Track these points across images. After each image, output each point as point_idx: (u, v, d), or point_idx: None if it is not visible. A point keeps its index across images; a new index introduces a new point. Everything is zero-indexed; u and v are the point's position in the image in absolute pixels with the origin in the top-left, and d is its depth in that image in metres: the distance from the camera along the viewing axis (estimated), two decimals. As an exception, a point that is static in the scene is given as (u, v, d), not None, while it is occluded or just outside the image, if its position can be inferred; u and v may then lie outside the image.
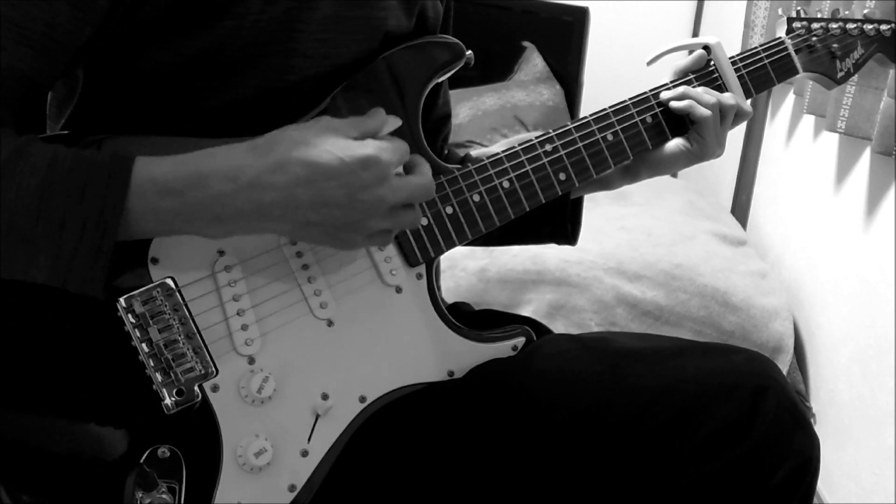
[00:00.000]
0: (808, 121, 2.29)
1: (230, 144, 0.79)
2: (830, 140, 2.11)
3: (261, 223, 0.78)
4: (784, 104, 2.52)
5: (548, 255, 2.03)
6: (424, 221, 0.93)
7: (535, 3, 3.02)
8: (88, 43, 0.81)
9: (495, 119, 2.87)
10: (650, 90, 1.05)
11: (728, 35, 2.85)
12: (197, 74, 0.84)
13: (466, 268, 2.01)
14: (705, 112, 1.02)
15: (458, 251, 1.97)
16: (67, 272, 0.74)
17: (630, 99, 1.04)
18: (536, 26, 3.04)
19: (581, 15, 2.93)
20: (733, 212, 2.77)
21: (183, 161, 0.77)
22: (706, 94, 1.03)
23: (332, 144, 0.79)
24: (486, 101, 2.91)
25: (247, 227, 0.78)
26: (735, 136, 2.37)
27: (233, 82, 0.86)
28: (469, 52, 0.97)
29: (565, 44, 2.97)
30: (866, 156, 1.91)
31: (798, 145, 2.39)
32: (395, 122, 0.87)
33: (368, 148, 0.79)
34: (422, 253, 0.93)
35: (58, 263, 0.73)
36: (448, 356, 0.95)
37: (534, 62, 2.99)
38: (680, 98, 1.03)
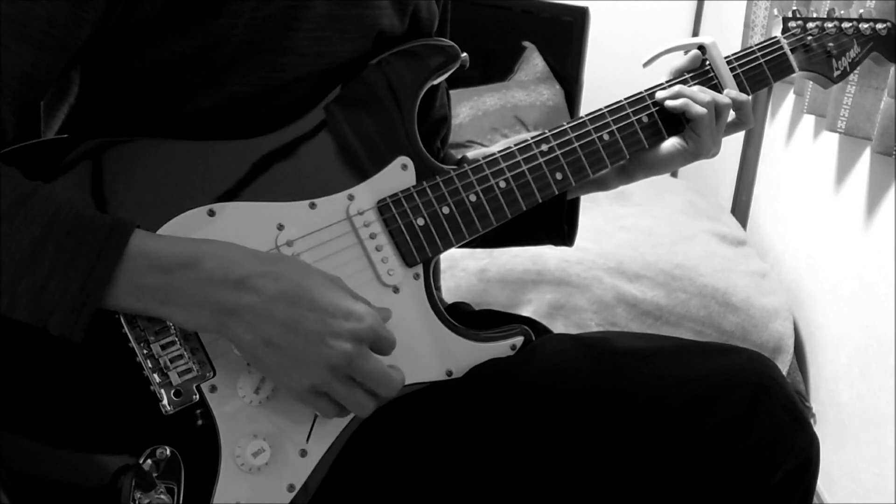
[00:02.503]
0: (808, 121, 2.29)
1: (237, 244, 0.80)
2: (830, 140, 2.11)
3: (228, 321, 0.78)
4: (784, 104, 2.52)
5: (548, 255, 2.03)
6: (421, 221, 0.93)
7: (535, 3, 3.02)
8: (88, 41, 0.81)
9: (495, 119, 2.87)
10: (645, 90, 1.05)
11: (728, 35, 2.85)
12: (192, 72, 0.85)
13: (466, 268, 2.01)
14: (701, 110, 1.02)
15: (458, 251, 1.96)
16: (46, 321, 0.75)
17: (626, 99, 1.04)
18: (536, 26, 3.04)
19: (581, 15, 2.93)
20: (733, 212, 2.77)
21: (181, 242, 0.79)
22: (701, 92, 1.03)
23: (331, 288, 0.80)
24: (486, 101, 2.91)
25: (213, 321, 0.78)
26: (735, 136, 2.37)
27: (227, 80, 0.86)
28: (464, 54, 0.97)
29: (565, 44, 2.98)
30: (866, 156, 1.91)
31: (798, 145, 2.39)
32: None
33: (360, 306, 0.80)
34: (419, 253, 0.93)
35: (37, 316, 0.75)
36: (446, 356, 0.95)
37: (534, 62, 3.00)
38: (675, 97, 1.03)
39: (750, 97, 1.08)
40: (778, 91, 2.58)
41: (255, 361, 0.80)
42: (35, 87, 0.80)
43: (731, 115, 1.07)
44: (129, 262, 0.76)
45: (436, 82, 0.97)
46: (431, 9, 1.02)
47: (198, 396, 0.83)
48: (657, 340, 1.02)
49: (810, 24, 1.13)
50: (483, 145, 2.58)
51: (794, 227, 2.36)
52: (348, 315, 0.79)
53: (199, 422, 0.83)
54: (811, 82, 1.81)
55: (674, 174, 3.39)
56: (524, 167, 0.98)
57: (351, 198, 0.91)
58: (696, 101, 1.02)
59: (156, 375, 0.82)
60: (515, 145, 0.98)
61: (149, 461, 0.81)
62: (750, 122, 1.08)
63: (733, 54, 1.09)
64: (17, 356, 0.79)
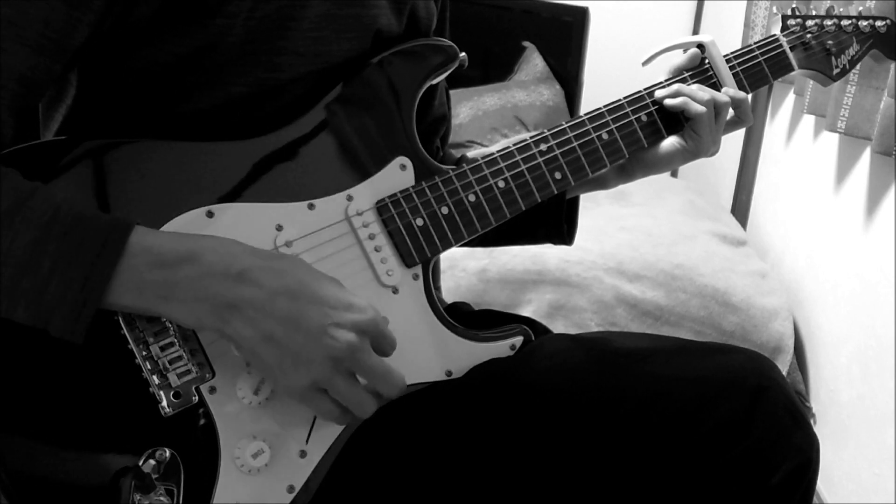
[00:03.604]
0: (808, 121, 2.29)
1: (235, 240, 0.80)
2: (830, 140, 2.11)
3: (229, 316, 0.77)
4: (784, 104, 2.52)
5: (548, 255, 2.03)
6: (420, 222, 0.93)
7: (535, 3, 3.02)
8: (85, 43, 0.81)
9: (496, 119, 2.87)
10: (644, 89, 1.05)
11: (728, 35, 2.85)
12: (190, 73, 0.85)
13: (466, 268, 2.01)
14: (700, 108, 1.02)
15: (458, 251, 1.97)
16: (46, 323, 0.75)
17: (625, 98, 1.04)
18: (536, 26, 3.04)
19: (581, 15, 2.93)
20: (733, 212, 2.77)
21: (182, 237, 0.79)
22: (700, 90, 1.03)
23: (331, 281, 0.80)
24: (486, 101, 2.91)
25: (214, 316, 0.77)
26: (735, 136, 2.37)
27: (225, 80, 0.86)
28: (463, 54, 0.97)
29: (565, 44, 2.98)
30: (866, 156, 1.91)
31: (798, 145, 2.39)
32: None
33: (361, 299, 0.80)
34: (418, 253, 0.93)
35: (37, 317, 0.75)
36: (446, 356, 0.95)
37: (534, 62, 3.00)
38: (674, 95, 1.03)
39: (749, 95, 1.08)
40: (778, 91, 2.58)
41: (254, 359, 0.80)
42: (32, 89, 0.80)
43: (730, 113, 1.07)
44: (130, 259, 0.75)
45: (435, 82, 0.97)
46: (429, 8, 1.02)
47: (197, 398, 0.83)
48: (657, 340, 1.02)
49: (809, 22, 1.13)
50: (483, 145, 2.57)
51: (794, 227, 2.36)
52: (350, 307, 0.79)
53: (199, 423, 0.83)
54: (811, 82, 1.81)
55: (674, 174, 3.39)
56: (523, 167, 0.98)
57: (350, 198, 0.91)
58: (695, 100, 1.02)
59: (155, 377, 0.82)
60: (514, 145, 0.98)
61: (148, 463, 0.81)
62: (749, 120, 1.08)
63: (732, 52, 1.09)
64: (16, 358, 0.79)
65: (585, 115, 1.02)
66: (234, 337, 0.78)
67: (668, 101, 1.03)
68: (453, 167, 0.96)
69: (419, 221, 0.93)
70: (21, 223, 0.74)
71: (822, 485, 1.92)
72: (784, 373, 1.50)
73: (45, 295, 0.74)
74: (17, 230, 0.74)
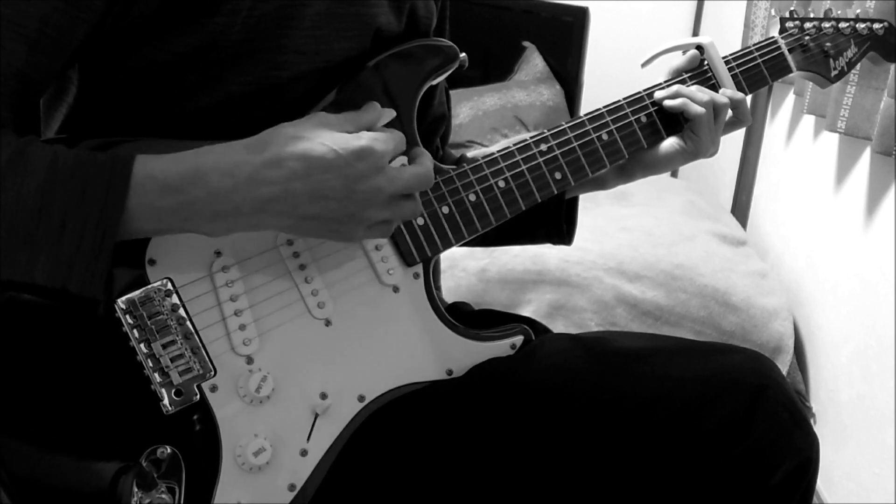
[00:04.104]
0: (808, 121, 2.29)
1: (227, 143, 0.80)
2: (830, 140, 2.11)
3: (260, 218, 0.79)
4: (784, 104, 2.52)
5: (548, 255, 2.03)
6: (420, 221, 0.93)
7: (535, 3, 3.02)
8: (85, 41, 0.81)
9: (496, 119, 2.87)
10: (644, 90, 1.05)
11: (728, 35, 2.85)
12: (190, 72, 0.85)
13: (466, 268, 2.01)
14: (699, 110, 1.02)
15: (459, 251, 1.97)
16: (68, 272, 0.74)
17: (624, 98, 1.04)
18: (536, 26, 3.05)
19: (581, 15, 2.94)
20: (733, 212, 2.77)
21: (181, 158, 0.78)
22: (699, 92, 1.03)
23: (327, 138, 0.80)
24: (486, 101, 2.91)
25: (247, 223, 0.79)
26: (735, 136, 2.37)
27: (225, 79, 0.86)
28: (463, 54, 0.97)
29: (565, 44, 2.98)
30: (866, 156, 1.91)
31: (798, 145, 2.40)
32: (389, 115, 0.89)
33: (363, 139, 0.81)
34: (418, 252, 0.93)
35: (59, 263, 0.73)
36: (446, 355, 0.95)
37: (534, 62, 3.00)
38: (674, 97, 1.03)
39: (749, 96, 1.09)
40: (778, 91, 2.58)
41: (303, 234, 0.84)
42: (32, 87, 0.80)
43: (729, 113, 1.07)
44: (138, 187, 0.75)
45: (435, 82, 0.97)
46: (429, 7, 1.02)
47: (199, 396, 0.83)
48: (657, 340, 1.02)
49: (808, 25, 1.13)
50: (483, 145, 2.57)
51: (794, 227, 2.36)
52: (359, 155, 0.80)
53: (200, 421, 0.83)
54: (811, 82, 1.81)
55: (674, 174, 3.39)
56: (523, 167, 0.98)
57: (350, 198, 0.91)
58: (694, 101, 1.02)
59: (156, 375, 0.82)
60: (514, 145, 0.99)
61: (150, 460, 0.81)
62: (747, 121, 1.08)
63: (731, 54, 1.09)
64: (19, 356, 0.79)
65: (585, 115, 1.02)
66: (275, 229, 0.82)
67: (667, 102, 1.03)
68: (454, 167, 0.96)
69: (420, 220, 0.93)
70: (24, 172, 0.73)
71: (822, 485, 1.93)
72: (784, 373, 1.50)
73: (63, 237, 0.73)
74: (22, 178, 0.73)
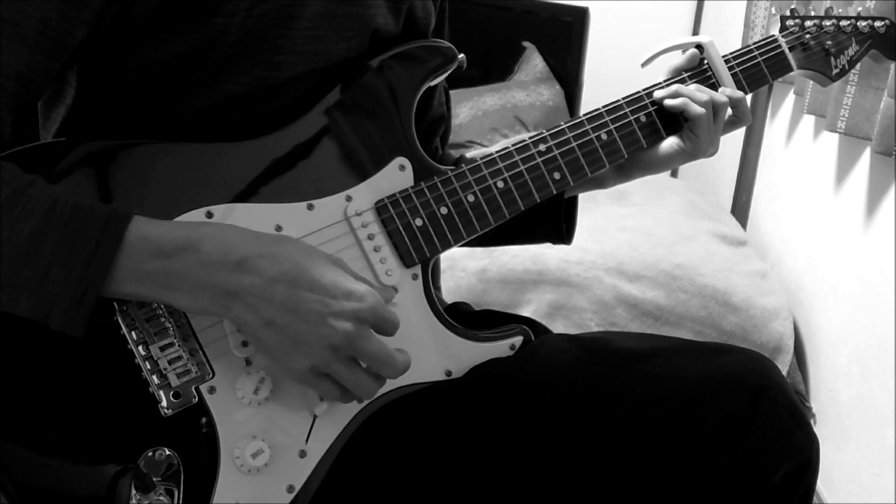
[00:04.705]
0: (808, 121, 2.29)
1: (234, 226, 0.81)
2: (830, 140, 2.11)
3: (229, 303, 0.78)
4: (784, 104, 2.52)
5: (548, 255, 2.03)
6: (419, 222, 0.93)
7: (535, 3, 3.02)
8: (85, 42, 0.81)
9: (495, 119, 2.87)
10: (643, 89, 1.05)
11: (728, 35, 2.85)
12: (188, 72, 0.85)
13: (466, 268, 2.01)
14: (699, 110, 1.02)
15: (458, 251, 1.97)
16: (47, 316, 0.75)
17: (623, 98, 1.04)
18: (536, 26, 3.05)
19: (581, 15, 2.94)
20: (733, 212, 2.77)
21: (180, 226, 0.79)
22: (699, 91, 1.03)
23: (330, 267, 0.80)
24: (486, 101, 2.91)
25: (215, 302, 0.78)
26: (735, 136, 2.37)
27: (224, 79, 0.86)
28: (461, 55, 0.97)
29: (565, 44, 2.98)
30: (866, 156, 1.91)
31: (798, 145, 2.39)
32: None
33: (361, 286, 0.81)
34: (417, 253, 0.93)
35: (39, 308, 0.75)
36: (446, 356, 0.95)
37: (534, 62, 3.00)
38: (674, 96, 1.03)
39: (749, 95, 1.08)
40: (778, 91, 2.58)
41: (256, 342, 0.81)
42: (30, 88, 0.80)
43: (728, 112, 1.07)
44: (129, 248, 0.76)
45: (433, 83, 0.97)
46: (427, 8, 1.02)
47: (197, 398, 0.83)
48: (657, 340, 1.02)
49: (808, 23, 1.13)
50: (483, 145, 2.57)
51: (794, 227, 2.36)
52: (349, 295, 0.79)
53: (199, 423, 0.83)
54: (811, 82, 1.81)
55: (674, 174, 3.39)
56: (522, 167, 0.98)
57: (349, 199, 0.91)
58: (693, 101, 1.02)
59: (155, 377, 0.82)
60: (513, 145, 0.98)
61: (148, 463, 0.81)
62: (747, 119, 1.08)
63: (731, 53, 1.09)
64: (16, 358, 0.79)
65: (584, 115, 1.02)
66: (236, 322, 0.80)
67: (668, 102, 1.03)
68: (452, 167, 0.96)
69: (418, 222, 0.93)
70: (20, 214, 0.74)
71: (822, 485, 1.92)
72: (784, 373, 1.50)
73: (45, 285, 0.74)
74: (17, 220, 0.74)
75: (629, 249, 2.11)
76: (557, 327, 1.93)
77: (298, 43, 0.88)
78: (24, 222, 0.74)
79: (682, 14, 3.42)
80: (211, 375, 0.84)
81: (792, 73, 1.13)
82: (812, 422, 1.47)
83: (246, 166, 0.88)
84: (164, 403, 0.82)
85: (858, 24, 1.14)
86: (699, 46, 1.08)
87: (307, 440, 0.87)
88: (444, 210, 0.94)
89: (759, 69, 1.09)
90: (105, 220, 0.75)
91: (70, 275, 0.74)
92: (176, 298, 0.78)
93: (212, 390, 0.84)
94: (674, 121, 1.05)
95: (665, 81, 1.06)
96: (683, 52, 1.09)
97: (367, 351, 0.80)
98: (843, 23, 1.14)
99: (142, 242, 0.76)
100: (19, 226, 0.74)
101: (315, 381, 0.81)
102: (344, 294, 0.79)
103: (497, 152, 0.98)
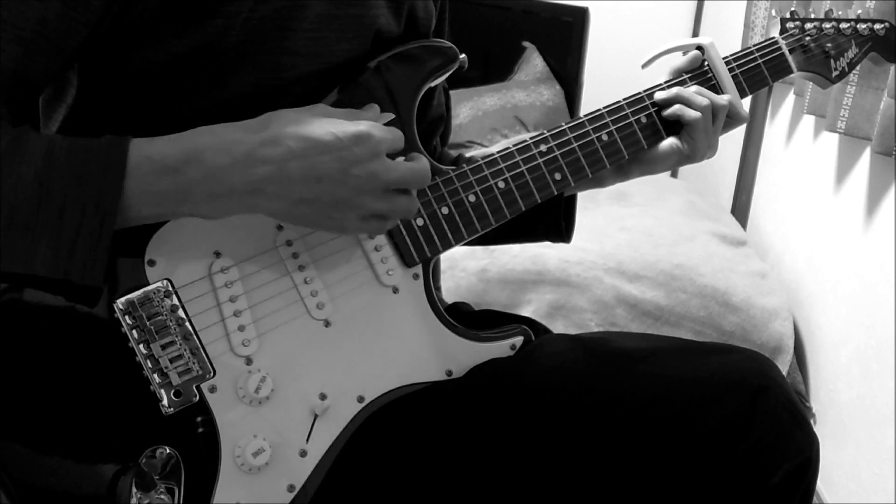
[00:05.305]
0: (808, 121, 2.29)
1: (225, 124, 0.80)
2: (830, 140, 2.11)
3: (255, 200, 0.78)
4: (784, 104, 2.52)
5: (548, 255, 2.03)
6: (420, 222, 0.93)
7: (535, 3, 3.02)
8: (84, 43, 0.81)
9: (495, 119, 2.87)
10: (644, 90, 1.06)
11: (728, 35, 2.85)
12: (188, 73, 0.85)
13: (466, 268, 2.01)
14: (695, 115, 1.02)
15: (459, 251, 1.97)
16: (69, 259, 0.73)
17: (624, 99, 1.04)
18: (536, 26, 3.04)
19: (581, 15, 2.94)
20: (733, 212, 2.77)
21: (177, 139, 0.78)
22: (698, 95, 1.03)
23: (326, 122, 0.80)
24: (486, 101, 2.91)
25: (241, 204, 0.78)
26: (735, 137, 2.37)
27: (225, 81, 0.86)
28: (462, 55, 0.97)
29: (565, 44, 2.98)
30: (866, 156, 1.91)
31: (798, 145, 2.39)
32: (387, 117, 0.89)
33: (361, 125, 0.81)
34: (418, 253, 0.93)
35: (59, 250, 0.73)
36: (446, 356, 0.95)
37: (534, 62, 3.00)
38: (669, 104, 1.04)
39: (749, 96, 1.09)
40: (778, 91, 2.58)
41: (295, 222, 0.83)
42: (29, 88, 0.80)
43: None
44: (134, 170, 0.75)
45: (434, 84, 0.97)
46: (428, 8, 1.02)
47: (198, 397, 0.83)
48: (657, 340, 1.02)
49: (808, 25, 1.13)
50: (483, 145, 2.57)
51: (794, 227, 2.36)
52: (357, 139, 0.80)
53: (199, 422, 0.83)
54: (811, 83, 1.81)
55: (674, 174, 3.39)
56: (523, 167, 0.98)
57: (350, 198, 0.91)
58: (691, 105, 1.03)
59: (156, 376, 0.82)
60: (514, 146, 0.99)
61: (149, 461, 0.81)
62: (743, 118, 1.08)
63: (731, 55, 1.09)
64: (19, 357, 0.79)
65: (585, 116, 1.02)
66: (268, 213, 0.80)
67: (663, 111, 1.04)
68: (453, 167, 0.96)
69: (419, 221, 0.93)
70: (21, 159, 0.73)
71: (822, 485, 1.92)
72: (784, 373, 1.50)
73: (62, 223, 0.73)
74: (20, 166, 0.73)
75: (629, 249, 2.11)
76: (557, 327, 1.93)
77: (300, 44, 0.88)
78: (27, 166, 0.73)
79: (682, 14, 3.42)
80: (212, 374, 0.84)
81: (792, 75, 1.13)
82: (812, 422, 1.47)
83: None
84: (165, 402, 0.82)
85: (858, 26, 1.15)
86: (700, 48, 1.08)
87: (308, 439, 0.87)
88: (445, 210, 0.94)
89: (759, 71, 1.10)
90: (106, 150, 0.75)
91: (84, 208, 0.73)
92: (195, 209, 0.78)
93: (213, 389, 0.84)
94: (674, 122, 1.05)
95: (666, 82, 1.07)
96: (684, 53, 1.09)
97: (396, 178, 0.82)
98: (843, 25, 1.14)
99: (146, 162, 0.76)
100: (23, 171, 0.73)
101: (365, 226, 0.83)
102: (352, 140, 0.79)
103: (498, 152, 0.98)
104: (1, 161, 0.73)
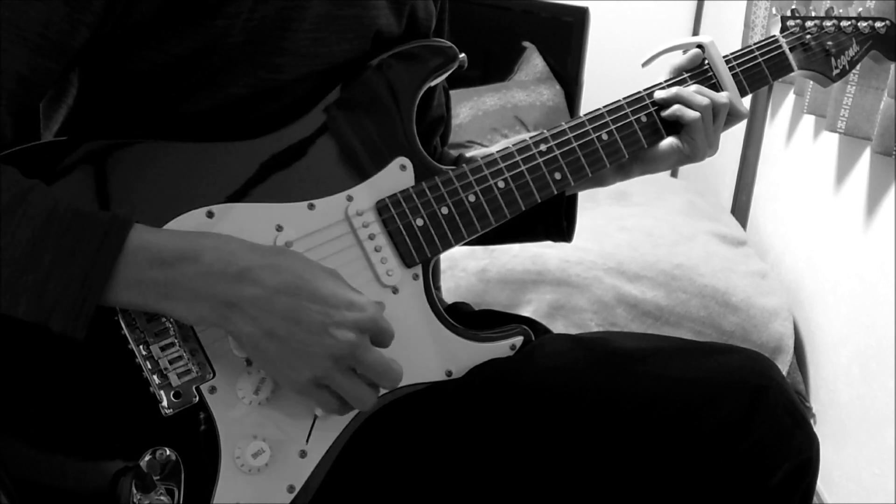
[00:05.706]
0: (808, 121, 2.29)
1: (239, 239, 0.80)
2: (830, 140, 2.11)
3: (230, 314, 0.78)
4: (784, 104, 2.52)
5: (548, 255, 2.03)
6: (420, 222, 0.93)
7: (535, 3, 3.02)
8: (86, 44, 0.81)
9: (495, 119, 2.87)
10: (644, 89, 1.05)
11: (728, 35, 2.85)
12: (190, 74, 0.85)
13: (466, 268, 2.01)
14: (694, 115, 1.02)
15: (459, 251, 1.97)
16: (48, 320, 0.75)
17: (624, 98, 1.04)
18: (536, 26, 3.05)
19: (581, 15, 2.94)
20: (733, 212, 2.77)
21: (183, 235, 0.79)
22: (698, 94, 1.03)
23: (330, 278, 0.80)
24: (486, 101, 2.91)
25: (215, 313, 0.78)
26: (735, 136, 2.37)
27: (225, 81, 0.86)
28: (462, 55, 0.97)
29: (565, 44, 2.98)
30: (866, 156, 1.91)
31: (798, 145, 2.40)
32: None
33: (361, 297, 0.81)
34: (418, 253, 0.93)
35: (39, 312, 0.75)
36: (446, 356, 0.95)
37: (534, 62, 3.00)
38: (667, 105, 1.04)
39: (749, 95, 1.09)
40: (778, 91, 2.58)
41: (256, 354, 0.80)
42: (32, 90, 0.80)
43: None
44: (129, 255, 0.76)
45: (434, 83, 0.97)
46: (428, 9, 1.02)
47: (197, 398, 0.83)
48: (657, 340, 1.02)
49: (809, 23, 1.13)
50: (483, 145, 2.57)
51: (794, 227, 2.36)
52: (350, 305, 0.79)
53: (199, 423, 0.83)
54: (811, 82, 1.81)
55: (674, 174, 3.39)
56: (523, 167, 0.98)
57: (350, 198, 0.91)
58: (691, 105, 1.03)
59: (155, 377, 0.82)
60: (514, 146, 0.99)
61: (149, 462, 0.81)
62: (743, 114, 1.08)
63: (732, 53, 1.09)
64: (18, 357, 0.79)
65: (585, 115, 1.02)
66: (236, 334, 0.79)
67: (662, 112, 1.04)
68: (453, 167, 0.96)
69: (419, 222, 0.93)
70: (21, 219, 0.74)
71: (822, 485, 1.92)
72: (784, 373, 1.50)
73: (46, 291, 0.74)
74: (17, 226, 0.74)
75: (629, 249, 2.11)
76: (557, 327, 1.93)
77: (300, 45, 0.88)
78: (24, 227, 0.74)
79: (682, 14, 3.42)
80: (212, 375, 0.84)
81: (792, 74, 1.13)
82: (812, 422, 1.47)
83: (247, 166, 0.87)
84: (165, 403, 0.82)
85: (859, 24, 1.15)
86: (700, 47, 1.08)
87: (307, 440, 0.87)
88: (444, 210, 0.94)
89: (759, 69, 1.10)
90: (106, 228, 0.75)
91: (70, 283, 0.74)
92: (174, 308, 0.78)
93: (212, 390, 0.84)
94: (674, 121, 1.05)
95: (666, 81, 1.07)
96: (684, 52, 1.09)
97: (369, 361, 0.80)
98: (844, 23, 1.14)
99: (142, 251, 0.76)
100: (19, 232, 0.74)
101: (315, 392, 0.81)
102: (345, 304, 0.79)
103: (498, 152, 0.98)
104: (1, 217, 0.74)
